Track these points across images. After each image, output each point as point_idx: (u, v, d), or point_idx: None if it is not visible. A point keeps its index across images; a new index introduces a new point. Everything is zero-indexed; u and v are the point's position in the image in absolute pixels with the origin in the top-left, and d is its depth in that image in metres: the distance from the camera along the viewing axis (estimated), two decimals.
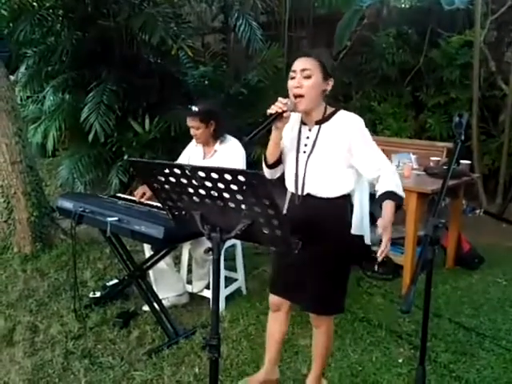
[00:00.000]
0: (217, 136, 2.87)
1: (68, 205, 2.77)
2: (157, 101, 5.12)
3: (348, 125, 1.83)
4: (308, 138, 1.89)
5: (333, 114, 1.87)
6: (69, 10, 5.23)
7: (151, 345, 2.58)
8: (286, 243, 1.50)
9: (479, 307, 3.02)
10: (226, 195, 1.45)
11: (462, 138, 1.51)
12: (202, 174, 1.44)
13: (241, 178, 1.36)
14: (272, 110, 1.76)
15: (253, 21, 5.66)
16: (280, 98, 1.77)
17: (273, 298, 2.08)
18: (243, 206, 1.45)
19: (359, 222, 1.88)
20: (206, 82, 5.53)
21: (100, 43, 5.15)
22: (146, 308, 2.87)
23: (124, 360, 2.44)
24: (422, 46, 5.66)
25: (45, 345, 2.57)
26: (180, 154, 3.12)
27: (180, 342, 2.58)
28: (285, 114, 1.76)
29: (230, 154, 2.84)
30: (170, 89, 5.20)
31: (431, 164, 3.50)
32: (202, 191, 1.50)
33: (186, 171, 1.47)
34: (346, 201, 1.89)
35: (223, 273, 3.01)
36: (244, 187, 1.38)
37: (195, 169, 1.46)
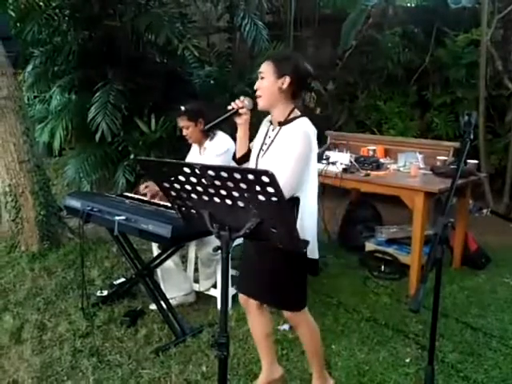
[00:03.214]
0: (207, 134, 2.88)
1: (76, 204, 2.79)
2: (162, 100, 5.14)
3: (295, 134, 1.85)
4: (269, 137, 1.95)
5: (294, 118, 1.90)
6: (75, 10, 5.26)
7: (158, 343, 2.59)
8: (294, 242, 1.50)
9: (486, 307, 3.01)
10: (235, 194, 1.45)
11: (471, 136, 1.51)
12: (211, 172, 1.44)
13: (250, 176, 1.36)
14: (230, 106, 1.93)
15: (258, 20, 5.66)
16: (241, 96, 1.93)
17: (240, 297, 2.15)
18: (252, 205, 1.45)
19: (300, 229, 1.83)
20: (212, 82, 5.54)
21: (106, 43, 5.17)
22: (153, 307, 2.88)
23: (132, 358, 2.46)
24: (428, 45, 5.64)
25: (53, 343, 2.59)
26: (185, 154, 3.14)
27: (187, 341, 2.59)
28: (240, 111, 1.92)
29: (217, 148, 2.82)
30: (176, 89, 5.21)
31: (438, 163, 3.49)
32: (211, 190, 1.50)
33: (196, 170, 1.48)
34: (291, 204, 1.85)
35: (230, 272, 3.01)
36: (253, 186, 1.39)
37: (205, 168, 1.46)
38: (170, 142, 4.98)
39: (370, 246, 3.78)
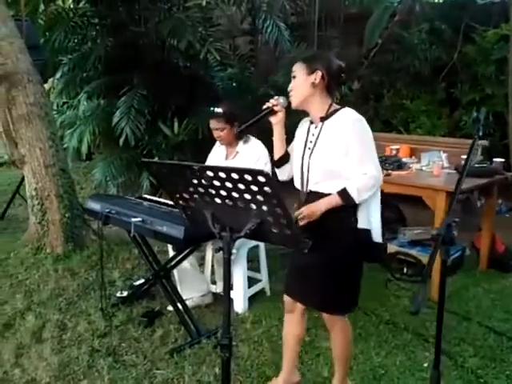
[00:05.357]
0: (240, 136, 2.87)
1: (96, 206, 2.86)
2: (185, 104, 5.19)
3: (347, 124, 1.83)
4: (313, 134, 1.92)
5: (336, 110, 1.88)
6: (102, 17, 5.39)
7: (174, 344, 2.61)
8: (295, 242, 1.48)
9: None
10: (235, 194, 1.45)
11: (480, 133, 1.45)
12: (210, 173, 1.44)
13: (247, 176, 1.36)
14: (265, 105, 1.93)
15: (281, 22, 5.64)
16: (276, 96, 1.94)
17: (286, 299, 2.08)
18: (251, 205, 1.44)
19: (365, 217, 1.85)
20: (234, 84, 5.56)
21: (131, 49, 5.27)
22: (171, 307, 2.90)
23: (147, 359, 2.48)
24: (456, 42, 5.48)
25: (72, 342, 2.65)
26: (207, 156, 3.15)
27: (202, 342, 2.60)
28: (276, 108, 1.91)
29: (252, 154, 2.85)
30: (199, 92, 5.26)
31: (463, 162, 3.37)
32: (211, 191, 1.50)
33: (196, 171, 1.48)
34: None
35: (246, 273, 3.01)
36: (251, 186, 1.38)
37: (204, 168, 1.47)
38: (193, 144, 5.03)
39: (392, 247, 3.68)
